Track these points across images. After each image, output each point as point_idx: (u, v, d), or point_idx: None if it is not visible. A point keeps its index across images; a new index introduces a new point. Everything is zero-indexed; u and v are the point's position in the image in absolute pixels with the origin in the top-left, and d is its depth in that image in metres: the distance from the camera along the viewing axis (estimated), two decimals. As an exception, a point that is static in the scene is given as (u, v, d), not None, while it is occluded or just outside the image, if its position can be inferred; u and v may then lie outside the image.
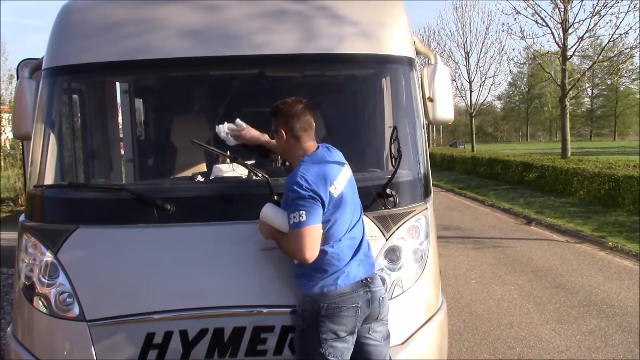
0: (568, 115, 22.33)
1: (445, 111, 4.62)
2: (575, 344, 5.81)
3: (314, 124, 3.39)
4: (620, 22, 22.74)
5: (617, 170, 15.06)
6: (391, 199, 3.80)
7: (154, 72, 4.37)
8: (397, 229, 3.75)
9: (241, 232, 3.59)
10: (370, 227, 3.67)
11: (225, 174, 4.33)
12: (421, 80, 4.55)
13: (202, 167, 5.41)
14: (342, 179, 3.25)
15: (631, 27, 20.39)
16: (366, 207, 3.64)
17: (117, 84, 5.71)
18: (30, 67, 4.48)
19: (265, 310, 3.43)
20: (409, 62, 4.35)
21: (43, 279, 3.59)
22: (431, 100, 4.63)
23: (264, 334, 3.42)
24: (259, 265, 3.50)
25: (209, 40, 4.15)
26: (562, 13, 20.80)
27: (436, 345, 3.76)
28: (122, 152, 5.78)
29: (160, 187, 4.05)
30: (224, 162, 5.49)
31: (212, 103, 5.87)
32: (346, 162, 3.42)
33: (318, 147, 3.37)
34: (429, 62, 4.80)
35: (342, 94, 5.58)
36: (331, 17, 4.35)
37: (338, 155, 3.45)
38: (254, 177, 4.33)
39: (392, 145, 3.53)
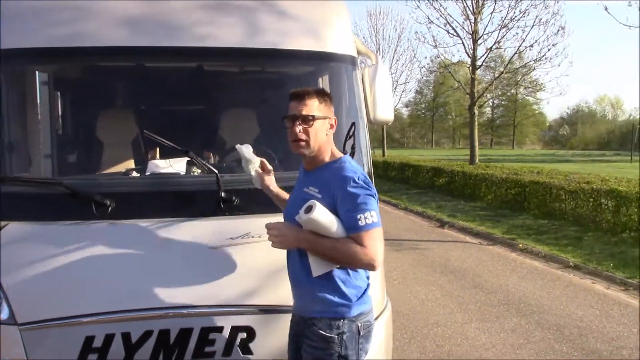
0: (476, 123, 23.25)
1: (385, 112, 4.65)
2: (500, 341, 6.01)
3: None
4: (526, 35, 23.71)
5: (523, 176, 15.77)
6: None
7: (87, 61, 4.15)
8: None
9: (186, 229, 3.45)
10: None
11: (162, 170, 4.16)
12: (362, 81, 4.57)
13: (130, 164, 5.16)
14: None
15: (536, 41, 21.44)
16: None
17: (37, 73, 5.39)
18: None
19: (213, 311, 3.31)
20: (351, 61, 4.36)
21: (-33, 281, 3.30)
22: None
23: (212, 335, 3.30)
24: (206, 264, 3.37)
25: (148, 31, 3.98)
26: (472, 24, 21.66)
27: (384, 342, 3.76)
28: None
29: (98, 182, 3.84)
30: (153, 157, 5.30)
31: (142, 98, 5.64)
32: None
33: None
34: (368, 63, 4.84)
35: (280, 91, 5.51)
36: (275, 12, 4.28)
37: None
38: (194, 173, 4.22)
39: (347, 142, 3.51)
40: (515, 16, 20.49)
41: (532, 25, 20.21)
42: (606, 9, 12.88)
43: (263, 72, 5.02)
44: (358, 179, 2.74)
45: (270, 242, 2.78)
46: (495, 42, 21.50)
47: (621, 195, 11.55)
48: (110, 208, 3.42)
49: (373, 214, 2.68)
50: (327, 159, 2.92)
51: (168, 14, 4.04)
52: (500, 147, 75.55)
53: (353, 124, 3.58)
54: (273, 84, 5.45)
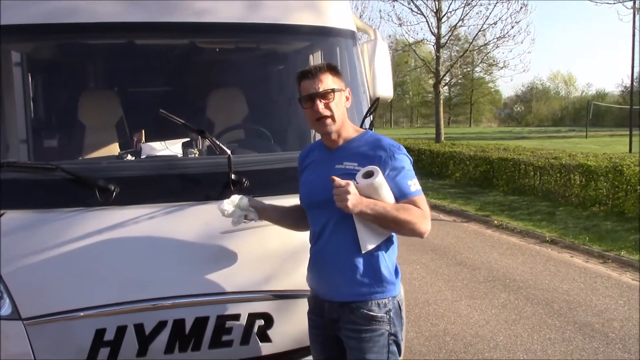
0: (441, 102, 23.38)
1: (385, 88, 4.53)
2: (492, 317, 6.01)
3: None
4: (490, 12, 23.87)
5: (490, 153, 15.93)
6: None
7: (79, 38, 3.89)
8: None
9: (196, 213, 3.28)
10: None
11: (159, 153, 3.98)
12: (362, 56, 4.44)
13: (115, 148, 4.92)
14: None
15: (500, 18, 21.57)
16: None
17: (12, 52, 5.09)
18: None
19: (229, 297, 3.17)
20: (352, 36, 4.25)
21: (-38, 275, 3.08)
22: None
23: (228, 323, 3.16)
24: (219, 250, 3.22)
25: (142, 5, 3.77)
26: (436, 2, 21.67)
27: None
28: None
29: (100, 166, 3.62)
30: (139, 140, 5.07)
31: (128, 77, 5.40)
32: None
33: None
34: (368, 38, 4.70)
35: (276, 68, 5.35)
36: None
37: None
38: (195, 155, 4.03)
39: (367, 118, 3.38)
40: (480, -7, 20.59)
41: (496, 3, 20.30)
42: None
43: (257, 49, 4.84)
44: (400, 148, 2.70)
45: (337, 202, 2.53)
46: (459, 20, 21.60)
47: (590, 169, 11.73)
48: (114, 193, 3.23)
49: (416, 182, 2.67)
50: (352, 133, 2.80)
51: None
52: (457, 126, 76.41)
53: (377, 99, 3.45)
54: (268, 61, 5.27)
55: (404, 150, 2.70)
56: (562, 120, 64.00)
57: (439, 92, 22.77)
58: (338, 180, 2.52)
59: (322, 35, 4.20)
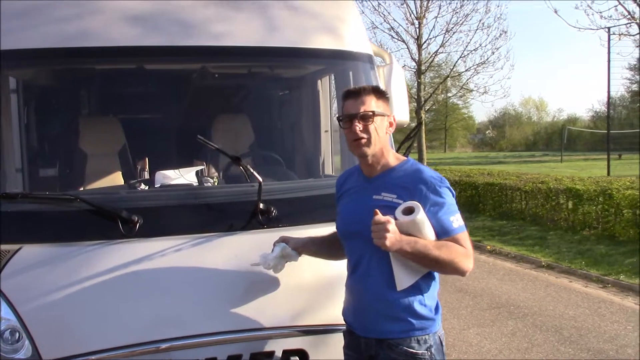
0: (423, 127, 23.47)
1: (402, 113, 4.44)
2: (504, 346, 5.88)
3: None
4: (470, 39, 24.08)
5: (475, 178, 15.93)
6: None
7: (96, 62, 3.73)
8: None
9: (224, 245, 3.11)
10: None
11: (173, 181, 3.80)
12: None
13: (118, 176, 4.73)
14: None
15: (480, 45, 21.81)
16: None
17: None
18: None
19: (262, 334, 2.99)
20: (369, 59, 4.16)
21: (-24, 315, 2.86)
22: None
23: None
24: (250, 283, 3.05)
25: (161, 28, 3.64)
26: (417, 29, 21.83)
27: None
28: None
29: (119, 196, 3.44)
30: (143, 168, 4.91)
31: (130, 103, 5.23)
32: None
33: None
34: (384, 62, 4.61)
35: (287, 93, 5.23)
36: (289, 9, 4.02)
37: None
38: (210, 184, 3.87)
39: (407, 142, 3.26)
40: (459, 20, 20.81)
41: (476, 30, 20.57)
42: (556, 11, 13.14)
43: (266, 74, 4.72)
44: (442, 181, 2.58)
45: (374, 239, 2.40)
46: (440, 46, 21.77)
47: (579, 193, 11.75)
48: (138, 225, 3.04)
49: (459, 218, 2.54)
50: (392, 161, 2.68)
51: (179, 10, 3.71)
52: (432, 151, 76.85)
53: (420, 124, 3.34)
54: (278, 86, 5.15)
55: (447, 183, 2.59)
56: (535, 144, 64.79)
57: (421, 118, 22.88)
58: (379, 216, 2.40)
59: (341, 59, 4.10)
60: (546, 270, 9.29)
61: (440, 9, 21.41)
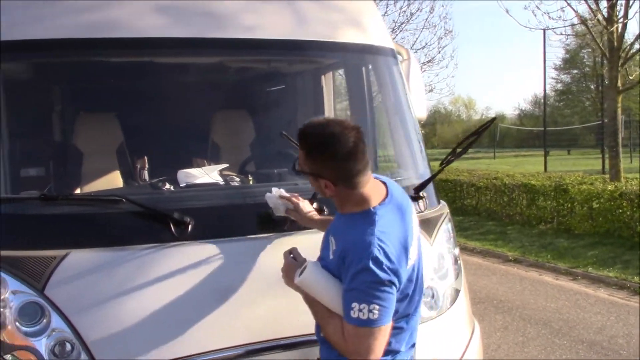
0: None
1: (420, 109, 4.40)
2: (501, 341, 5.95)
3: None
4: (416, 38, 24.28)
5: (427, 174, 16.14)
6: (422, 201, 3.49)
7: (122, 54, 3.49)
8: (436, 234, 3.42)
9: (282, 246, 2.96)
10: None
11: (198, 180, 3.62)
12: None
13: (117, 176, 4.46)
14: (415, 237, 2.32)
15: (427, 44, 22.06)
16: None
17: None
18: None
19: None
20: (393, 54, 4.10)
21: (23, 327, 2.61)
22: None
23: None
24: None
25: (189, 19, 3.45)
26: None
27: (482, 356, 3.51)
28: None
29: (165, 197, 3.23)
30: (143, 167, 4.66)
31: (129, 99, 4.94)
32: (411, 202, 2.48)
33: (385, 188, 2.34)
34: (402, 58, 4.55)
35: (307, 86, 5.08)
36: (315, 2, 3.92)
37: (404, 195, 2.44)
38: (251, 182, 3.71)
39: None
40: (405, 20, 20.95)
41: (422, 28, 20.77)
42: (507, 11, 13.49)
43: (289, 67, 4.58)
44: (379, 255, 2.09)
45: None
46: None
47: (535, 189, 12.09)
48: (190, 226, 2.86)
49: (374, 309, 2.06)
50: (354, 207, 2.27)
51: (207, 1, 3.54)
52: (365, 148, 77.46)
53: (494, 118, 3.27)
54: (297, 80, 5.00)
55: (375, 259, 2.08)
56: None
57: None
58: (286, 261, 2.42)
59: (369, 53, 4.02)
60: (514, 264, 9.49)
61: (387, 7, 21.44)
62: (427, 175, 3.70)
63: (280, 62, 4.30)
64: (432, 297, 3.23)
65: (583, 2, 13.35)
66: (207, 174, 3.64)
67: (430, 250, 3.31)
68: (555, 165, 24.78)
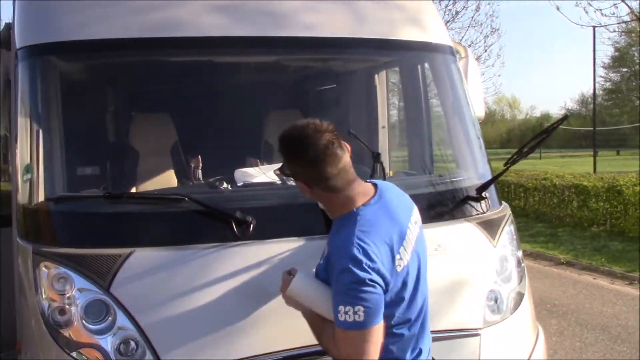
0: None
1: (479, 107, 4.31)
2: (558, 346, 5.79)
3: (349, 155, 2.22)
4: (462, 37, 24.01)
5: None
6: (484, 202, 3.40)
7: (184, 53, 3.51)
8: (499, 236, 3.34)
9: None
10: (474, 234, 3.23)
11: (255, 180, 3.61)
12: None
13: (171, 175, 4.48)
14: (410, 241, 2.22)
15: (472, 42, 21.81)
16: (459, 213, 3.25)
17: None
18: None
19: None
20: (452, 52, 4.02)
21: (89, 324, 2.63)
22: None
23: None
24: None
25: (250, 18, 3.44)
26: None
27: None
28: None
29: (225, 195, 3.24)
30: (197, 166, 4.67)
31: (184, 98, 4.98)
32: (414, 205, 2.42)
33: (375, 190, 2.26)
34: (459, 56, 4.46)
35: (349, 87, 5.04)
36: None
37: (401, 196, 2.38)
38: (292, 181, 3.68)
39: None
40: (451, 18, 20.75)
41: (468, 27, 20.54)
42: (558, 8, 13.23)
43: (343, 66, 4.55)
44: (357, 255, 2.03)
45: None
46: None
47: (587, 190, 11.78)
48: (251, 226, 2.84)
49: (359, 310, 2.00)
50: (340, 210, 2.21)
51: (268, 2, 3.53)
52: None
53: (566, 116, 3.19)
54: (346, 79, 4.96)
55: (354, 258, 2.02)
56: (509, 142, 65.51)
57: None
58: (282, 277, 2.35)
59: (428, 51, 3.95)
60: (566, 267, 9.25)
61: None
62: (488, 175, 3.61)
63: (338, 60, 4.27)
64: (496, 301, 3.15)
65: (637, -2, 12.96)
66: (264, 173, 3.63)
67: (493, 253, 3.23)
68: (604, 166, 24.16)
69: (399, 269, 2.13)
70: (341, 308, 2.02)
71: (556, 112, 66.80)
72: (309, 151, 2.11)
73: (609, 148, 37.32)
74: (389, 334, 2.15)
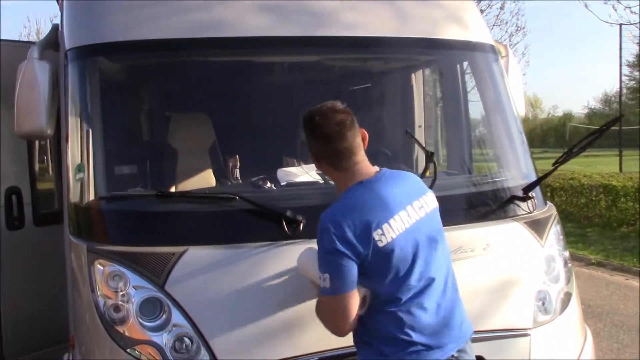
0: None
1: (520, 107, 4.28)
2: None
3: (362, 137, 2.38)
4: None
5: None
6: (531, 202, 3.39)
7: (228, 53, 3.54)
8: (547, 236, 3.32)
9: None
10: (522, 234, 3.21)
11: (298, 179, 3.62)
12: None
13: (209, 174, 4.51)
14: (402, 221, 2.24)
15: (497, 40, 21.72)
16: (507, 213, 3.24)
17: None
18: (40, 46, 3.45)
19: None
20: (494, 51, 4.00)
21: (144, 322, 2.66)
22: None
23: None
24: None
25: (293, 18, 3.46)
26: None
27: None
28: None
29: (276, 195, 3.26)
30: (235, 166, 4.68)
31: (223, 98, 5.01)
32: (428, 192, 2.45)
33: (378, 172, 2.37)
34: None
35: (388, 86, 5.04)
36: (414, -1, 3.88)
37: (407, 183, 2.43)
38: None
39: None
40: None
41: (493, 25, 20.39)
42: (586, 6, 13.06)
43: (383, 65, 4.55)
44: (329, 225, 2.18)
45: None
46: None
47: (616, 190, 11.64)
48: (302, 225, 2.86)
49: (326, 278, 2.17)
50: (342, 188, 2.40)
51: (309, 2, 3.55)
52: (427, 148, 76.71)
53: (620, 116, 3.16)
54: (386, 79, 4.96)
55: (323, 228, 2.19)
56: (532, 142, 64.93)
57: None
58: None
59: (470, 50, 3.93)
60: (598, 267, 9.15)
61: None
62: (533, 174, 3.60)
63: (379, 60, 4.26)
64: (545, 301, 3.13)
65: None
66: (307, 172, 3.65)
67: (541, 253, 3.21)
68: (630, 166, 23.78)
69: (380, 244, 2.17)
70: (320, 275, 2.21)
71: (578, 111, 65.99)
72: (319, 128, 2.31)
73: (635, 147, 36.76)
74: (379, 310, 2.26)
